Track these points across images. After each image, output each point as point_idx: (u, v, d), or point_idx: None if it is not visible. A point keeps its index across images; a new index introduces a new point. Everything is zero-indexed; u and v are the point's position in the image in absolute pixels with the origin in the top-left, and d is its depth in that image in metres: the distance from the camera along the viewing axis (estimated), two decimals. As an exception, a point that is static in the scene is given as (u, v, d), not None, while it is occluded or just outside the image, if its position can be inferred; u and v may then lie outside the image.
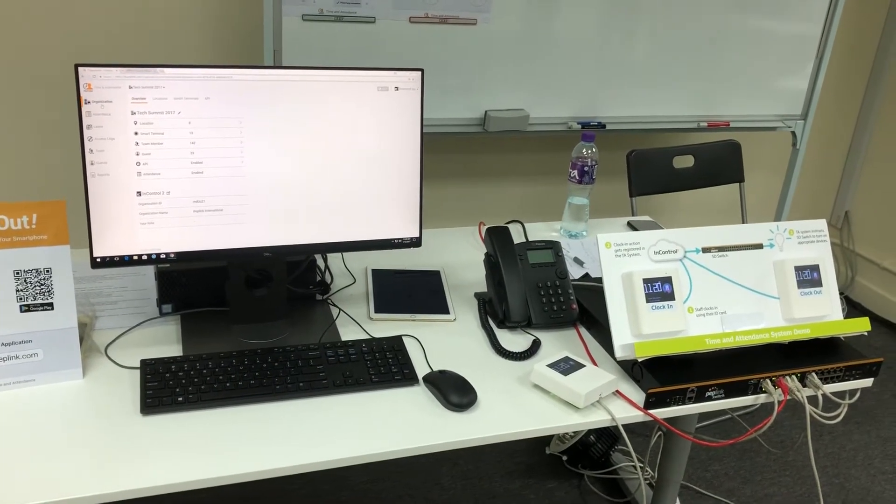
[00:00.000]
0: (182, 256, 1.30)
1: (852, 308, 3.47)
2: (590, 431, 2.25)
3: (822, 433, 2.57)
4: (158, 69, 1.21)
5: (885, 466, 2.44)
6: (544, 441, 2.38)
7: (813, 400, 1.40)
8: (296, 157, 1.33)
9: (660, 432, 2.16)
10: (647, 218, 2.12)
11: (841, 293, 3.30)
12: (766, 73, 2.75)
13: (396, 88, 1.35)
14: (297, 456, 1.14)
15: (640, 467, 2.22)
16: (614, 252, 1.40)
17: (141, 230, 1.26)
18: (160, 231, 1.28)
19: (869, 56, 3.31)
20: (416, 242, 1.45)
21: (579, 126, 2.56)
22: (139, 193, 1.25)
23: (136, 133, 1.22)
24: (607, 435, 2.27)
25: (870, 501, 2.28)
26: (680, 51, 2.61)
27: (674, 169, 2.53)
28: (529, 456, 2.36)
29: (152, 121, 1.23)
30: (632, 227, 2.06)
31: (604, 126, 2.59)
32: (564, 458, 2.34)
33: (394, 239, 1.43)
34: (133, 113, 1.21)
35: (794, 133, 2.90)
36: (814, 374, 1.41)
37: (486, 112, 2.45)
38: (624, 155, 2.45)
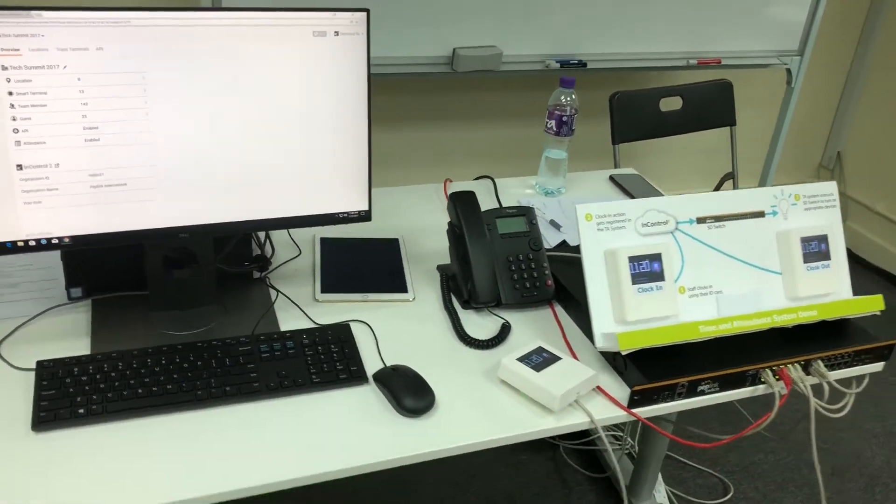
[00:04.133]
0: (79, 241, 1.08)
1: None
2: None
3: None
4: (34, 12, 0.98)
5: (877, 428, 2.32)
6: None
7: (817, 389, 1.24)
8: (214, 120, 1.10)
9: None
10: (631, 171, 1.92)
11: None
12: (760, 4, 2.51)
13: (336, 33, 1.12)
14: (219, 481, 0.95)
15: (620, 437, 2.08)
16: (596, 225, 1.21)
17: (25, 211, 1.04)
18: (50, 212, 1.06)
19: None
20: (364, 216, 1.24)
21: (557, 65, 2.32)
22: (20, 167, 1.02)
23: (10, 93, 0.99)
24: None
25: (860, 466, 2.17)
26: (668, -20, 2.37)
27: (660, 112, 2.32)
28: (502, 424, 2.20)
29: (30, 77, 0.99)
30: (615, 181, 1.86)
31: (585, 64, 2.35)
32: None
33: (338, 213, 1.22)
34: (4, 68, 0.98)
35: (788, 70, 2.68)
36: (819, 361, 1.25)
37: (454, 50, 2.21)
38: (605, 96, 2.23)
